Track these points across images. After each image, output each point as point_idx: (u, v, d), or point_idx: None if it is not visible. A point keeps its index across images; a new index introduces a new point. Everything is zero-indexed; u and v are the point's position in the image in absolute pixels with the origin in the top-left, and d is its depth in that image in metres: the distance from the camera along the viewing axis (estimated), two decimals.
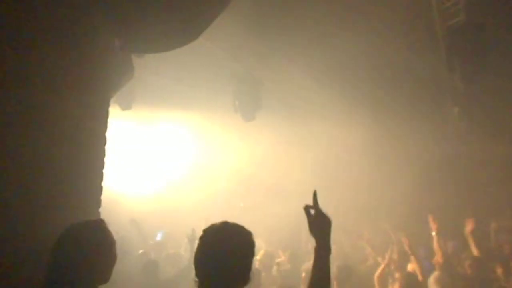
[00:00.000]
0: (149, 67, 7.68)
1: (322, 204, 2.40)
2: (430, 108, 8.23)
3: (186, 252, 6.74)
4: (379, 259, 6.34)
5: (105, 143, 3.65)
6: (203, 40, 6.47)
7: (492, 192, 8.77)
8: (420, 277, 5.36)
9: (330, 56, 6.70)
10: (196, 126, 9.29)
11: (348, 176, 9.06)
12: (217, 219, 2.33)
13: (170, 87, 8.25)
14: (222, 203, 9.99)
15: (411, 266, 5.99)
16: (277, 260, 6.57)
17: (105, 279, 2.40)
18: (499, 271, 5.45)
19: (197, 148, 9.88)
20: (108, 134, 3.67)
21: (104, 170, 3.65)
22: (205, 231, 2.24)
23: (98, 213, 3.61)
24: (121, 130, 8.72)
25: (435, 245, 5.73)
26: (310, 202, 2.38)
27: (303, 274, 5.86)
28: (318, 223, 2.34)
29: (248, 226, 2.30)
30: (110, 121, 3.69)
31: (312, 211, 2.37)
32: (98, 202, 3.61)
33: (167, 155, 10.03)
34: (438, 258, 5.62)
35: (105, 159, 3.65)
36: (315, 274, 2.24)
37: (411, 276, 5.52)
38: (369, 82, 7.26)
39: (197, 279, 2.09)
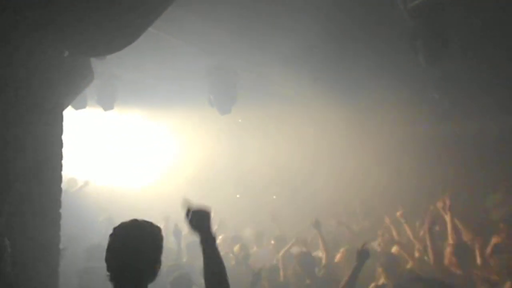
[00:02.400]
0: (130, 66, 7.86)
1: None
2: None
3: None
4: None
5: (61, 146, 3.80)
6: (172, 38, 6.71)
7: (483, 169, 8.77)
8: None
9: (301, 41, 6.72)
10: (178, 123, 9.45)
11: (332, 161, 9.15)
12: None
13: (152, 85, 8.41)
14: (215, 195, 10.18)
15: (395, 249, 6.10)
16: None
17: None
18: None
19: (180, 144, 10.05)
20: (64, 138, 3.82)
21: (62, 172, 3.80)
22: (114, 229, 2.37)
23: (59, 214, 3.78)
24: (107, 129, 8.93)
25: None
26: None
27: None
28: (194, 218, 2.50)
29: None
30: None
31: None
32: (58, 203, 3.78)
33: (151, 152, 10.21)
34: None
35: (62, 162, 3.80)
36: (208, 265, 2.41)
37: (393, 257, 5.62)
38: (345, 66, 7.27)
39: (108, 273, 2.25)
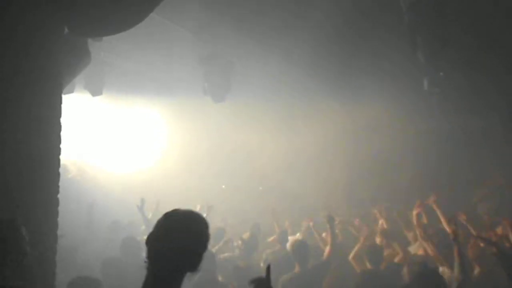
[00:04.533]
0: (120, 52, 7.67)
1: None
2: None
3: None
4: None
5: (60, 129, 3.66)
6: (170, 23, 6.56)
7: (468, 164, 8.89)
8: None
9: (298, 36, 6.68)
10: (169, 110, 9.31)
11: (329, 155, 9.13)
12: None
13: (142, 72, 8.23)
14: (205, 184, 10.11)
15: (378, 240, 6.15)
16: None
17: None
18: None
19: (170, 132, 9.92)
20: (62, 120, 3.68)
21: (60, 156, 3.67)
22: (166, 215, 2.25)
23: (57, 199, 3.66)
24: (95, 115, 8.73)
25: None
26: None
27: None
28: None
29: None
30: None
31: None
32: (56, 187, 3.65)
33: (141, 140, 10.07)
34: None
35: (61, 145, 3.67)
36: None
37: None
38: (343, 59, 7.24)
39: (147, 260, 2.15)
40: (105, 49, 7.23)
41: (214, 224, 7.74)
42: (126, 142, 10.10)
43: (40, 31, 3.29)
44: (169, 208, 2.30)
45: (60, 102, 3.66)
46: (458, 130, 8.55)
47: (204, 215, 6.78)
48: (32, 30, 3.27)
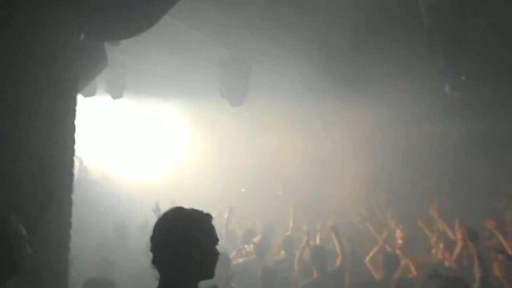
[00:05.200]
0: (140, 56, 7.80)
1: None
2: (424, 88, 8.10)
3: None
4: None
5: (74, 131, 3.74)
6: (187, 27, 6.63)
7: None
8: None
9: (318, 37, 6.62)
10: (188, 113, 9.39)
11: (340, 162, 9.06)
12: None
13: (162, 75, 8.35)
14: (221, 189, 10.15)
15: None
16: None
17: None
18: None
19: (191, 135, 10.00)
20: (77, 122, 3.76)
21: (74, 157, 3.75)
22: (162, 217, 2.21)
23: (71, 200, 3.72)
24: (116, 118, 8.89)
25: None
26: None
27: None
28: None
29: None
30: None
31: None
32: (70, 188, 3.72)
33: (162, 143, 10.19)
34: None
35: (75, 146, 3.74)
36: None
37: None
38: (361, 61, 7.16)
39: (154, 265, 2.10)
40: (125, 53, 7.37)
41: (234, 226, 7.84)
42: (147, 146, 10.23)
43: (55, 36, 3.37)
44: None
45: (75, 105, 3.74)
46: (479, 135, 8.32)
47: (225, 216, 6.75)
48: (47, 35, 3.35)
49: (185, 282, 2.09)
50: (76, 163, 8.82)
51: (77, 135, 3.75)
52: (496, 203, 8.20)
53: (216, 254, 2.17)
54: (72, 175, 3.71)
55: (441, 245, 5.81)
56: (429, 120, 8.53)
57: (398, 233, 6.30)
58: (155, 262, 2.12)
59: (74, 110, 3.73)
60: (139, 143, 10.14)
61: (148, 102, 9.09)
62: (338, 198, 8.58)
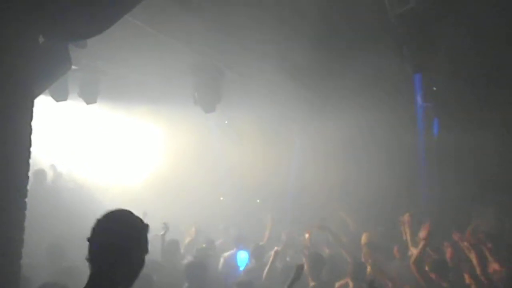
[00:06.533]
0: (116, 61, 7.75)
1: None
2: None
3: None
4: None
5: (30, 132, 3.69)
6: (161, 34, 6.62)
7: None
8: None
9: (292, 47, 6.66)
10: (161, 120, 9.35)
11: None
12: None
13: (137, 81, 8.30)
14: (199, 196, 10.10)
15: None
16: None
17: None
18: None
19: (166, 142, 9.95)
20: (33, 123, 3.70)
21: (29, 160, 3.69)
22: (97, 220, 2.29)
23: (24, 203, 3.66)
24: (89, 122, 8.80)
25: None
26: None
27: None
28: None
29: None
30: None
31: None
32: (24, 190, 3.65)
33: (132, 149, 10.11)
34: None
35: (31, 148, 3.69)
36: None
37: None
38: (333, 71, 7.21)
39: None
40: (101, 58, 7.33)
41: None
42: (121, 152, 10.15)
43: (8, 35, 3.33)
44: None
45: (32, 106, 3.69)
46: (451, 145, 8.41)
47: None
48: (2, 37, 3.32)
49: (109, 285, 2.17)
50: (50, 171, 8.81)
51: (33, 137, 3.70)
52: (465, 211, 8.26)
53: (140, 265, 2.25)
54: (26, 177, 3.65)
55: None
56: (404, 128, 8.62)
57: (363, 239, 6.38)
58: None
59: (30, 111, 3.68)
60: (113, 149, 10.04)
61: (122, 108, 9.03)
62: (315, 205, 8.61)
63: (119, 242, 2.17)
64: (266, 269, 6.02)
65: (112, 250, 2.17)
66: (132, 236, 2.22)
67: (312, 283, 5.37)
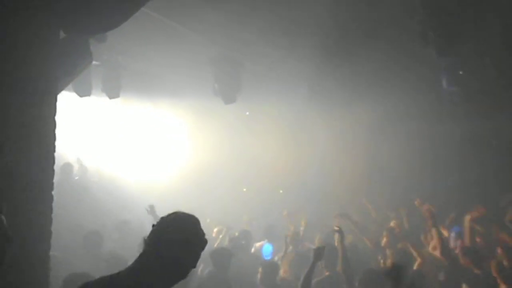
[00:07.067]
0: (136, 55, 7.81)
1: None
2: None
3: None
4: None
5: (54, 127, 3.74)
6: (180, 27, 6.62)
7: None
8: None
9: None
10: (185, 113, 9.39)
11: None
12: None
13: (158, 74, 8.36)
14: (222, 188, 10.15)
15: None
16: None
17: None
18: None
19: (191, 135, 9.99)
20: (57, 118, 3.76)
21: (54, 154, 3.74)
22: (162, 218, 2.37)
23: (51, 196, 3.72)
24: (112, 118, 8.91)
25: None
26: None
27: None
28: None
29: None
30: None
31: None
32: (50, 184, 3.72)
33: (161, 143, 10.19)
34: None
35: (55, 142, 3.74)
36: None
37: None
38: (350, 60, 7.08)
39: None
40: (121, 52, 7.40)
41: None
42: (145, 146, 10.24)
43: (30, 30, 3.37)
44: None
45: (55, 101, 3.74)
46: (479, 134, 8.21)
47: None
48: (20, 29, 3.35)
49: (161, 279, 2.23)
50: (76, 164, 8.99)
51: (58, 132, 3.76)
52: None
53: (183, 277, 2.31)
54: (52, 171, 3.71)
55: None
56: (424, 119, 8.47)
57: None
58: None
59: (54, 106, 3.73)
60: (137, 143, 10.15)
61: (145, 102, 9.10)
62: (337, 196, 8.55)
63: (177, 251, 2.23)
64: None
65: (168, 255, 2.23)
66: (191, 251, 2.29)
67: (327, 273, 5.43)
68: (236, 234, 6.97)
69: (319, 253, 4.68)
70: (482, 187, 8.21)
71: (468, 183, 8.42)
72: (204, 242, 2.36)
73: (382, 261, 5.98)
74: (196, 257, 2.34)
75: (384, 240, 6.12)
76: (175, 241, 2.23)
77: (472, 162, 8.52)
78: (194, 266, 2.34)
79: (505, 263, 4.96)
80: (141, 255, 2.28)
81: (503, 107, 7.89)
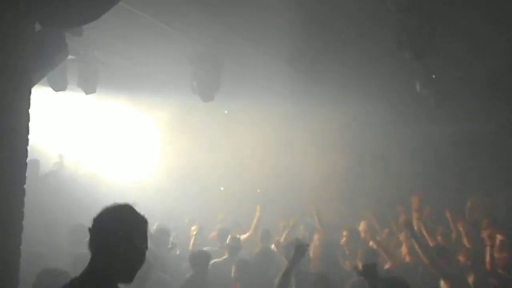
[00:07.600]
0: (114, 51, 7.75)
1: None
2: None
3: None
4: None
5: (28, 120, 3.70)
6: (159, 23, 6.60)
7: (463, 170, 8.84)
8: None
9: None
10: (163, 110, 9.36)
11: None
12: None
13: (136, 71, 8.30)
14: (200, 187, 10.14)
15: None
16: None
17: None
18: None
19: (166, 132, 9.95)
20: (31, 111, 3.72)
21: (27, 147, 3.70)
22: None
23: (23, 190, 3.68)
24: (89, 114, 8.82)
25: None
26: None
27: None
28: None
29: None
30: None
31: None
32: (23, 178, 3.67)
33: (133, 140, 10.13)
34: None
35: (28, 136, 3.70)
36: None
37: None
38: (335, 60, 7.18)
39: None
40: (98, 48, 7.32)
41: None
42: (120, 143, 10.15)
43: (4, 22, 3.32)
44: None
45: (29, 94, 3.69)
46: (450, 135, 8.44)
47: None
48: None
49: (105, 278, 2.21)
50: (57, 159, 8.85)
51: (31, 125, 3.72)
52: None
53: (141, 260, 2.29)
54: (25, 164, 3.66)
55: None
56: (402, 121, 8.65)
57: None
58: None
59: (28, 99, 3.68)
60: (115, 140, 10.05)
61: (123, 99, 9.02)
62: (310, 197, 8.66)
63: (115, 238, 2.21)
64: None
65: (107, 246, 2.22)
66: (129, 232, 2.25)
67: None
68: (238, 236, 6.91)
69: (303, 249, 4.65)
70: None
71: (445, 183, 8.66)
72: (144, 221, 2.35)
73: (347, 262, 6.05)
74: (142, 237, 2.31)
75: (343, 240, 6.30)
76: (115, 232, 2.23)
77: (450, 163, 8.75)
78: (146, 247, 2.32)
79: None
80: (90, 259, 2.29)
81: (474, 110, 8.13)
